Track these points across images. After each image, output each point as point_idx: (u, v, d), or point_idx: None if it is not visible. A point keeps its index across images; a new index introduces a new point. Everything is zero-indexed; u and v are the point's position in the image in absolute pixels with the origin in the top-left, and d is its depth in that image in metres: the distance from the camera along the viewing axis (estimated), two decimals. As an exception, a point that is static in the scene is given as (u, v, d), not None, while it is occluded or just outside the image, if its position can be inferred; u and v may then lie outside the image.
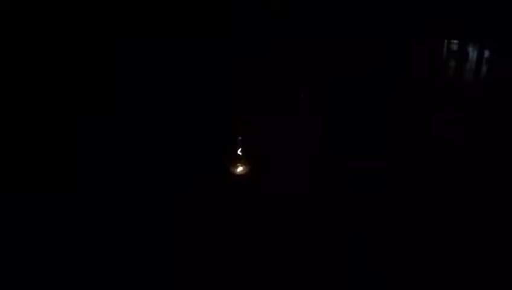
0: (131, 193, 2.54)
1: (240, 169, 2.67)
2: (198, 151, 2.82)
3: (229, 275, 2.10)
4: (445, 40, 3.89)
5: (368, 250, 2.18)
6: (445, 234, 2.23)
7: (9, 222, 2.33)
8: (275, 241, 2.24)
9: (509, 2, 3.63)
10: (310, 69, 3.40)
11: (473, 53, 3.82)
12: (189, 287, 2.09)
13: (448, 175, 2.60)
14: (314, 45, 3.57)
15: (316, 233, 2.28)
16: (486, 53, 3.81)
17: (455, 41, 3.92)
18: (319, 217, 2.37)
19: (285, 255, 2.17)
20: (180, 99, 3.18)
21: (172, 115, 3.09)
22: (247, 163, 2.67)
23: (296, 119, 3.05)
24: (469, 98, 3.33)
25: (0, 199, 2.43)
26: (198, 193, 2.56)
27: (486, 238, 2.19)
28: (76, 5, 3.36)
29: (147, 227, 2.36)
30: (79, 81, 3.22)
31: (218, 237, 2.29)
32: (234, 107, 3.12)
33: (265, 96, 3.17)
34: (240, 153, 2.69)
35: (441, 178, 2.58)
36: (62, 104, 3.07)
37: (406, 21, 3.71)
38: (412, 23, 3.69)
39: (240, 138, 2.71)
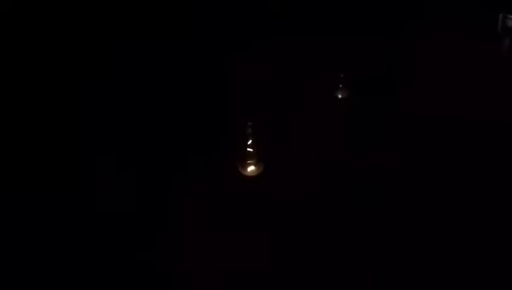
0: (132, 193, 2.54)
1: (247, 169, 2.64)
2: (198, 151, 2.82)
3: (232, 276, 2.10)
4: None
5: (376, 249, 2.17)
6: (456, 235, 2.21)
7: (8, 222, 2.33)
8: (281, 240, 2.24)
9: None
10: (310, 69, 3.39)
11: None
12: (189, 287, 2.09)
13: (459, 174, 2.56)
14: (314, 45, 3.57)
15: (324, 232, 2.28)
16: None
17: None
18: (328, 216, 2.36)
19: (292, 254, 2.17)
20: (180, 99, 3.18)
21: (172, 114, 3.09)
22: (253, 163, 2.65)
23: (295, 119, 3.05)
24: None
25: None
26: (198, 192, 2.56)
27: (498, 241, 2.17)
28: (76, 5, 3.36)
29: (146, 227, 2.35)
30: (78, 81, 3.22)
31: (220, 236, 2.29)
32: (233, 108, 3.12)
33: (264, 97, 3.17)
34: (247, 153, 2.66)
35: (452, 177, 2.54)
36: (62, 104, 3.07)
37: (407, 21, 3.70)
38: (413, 23, 3.68)
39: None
